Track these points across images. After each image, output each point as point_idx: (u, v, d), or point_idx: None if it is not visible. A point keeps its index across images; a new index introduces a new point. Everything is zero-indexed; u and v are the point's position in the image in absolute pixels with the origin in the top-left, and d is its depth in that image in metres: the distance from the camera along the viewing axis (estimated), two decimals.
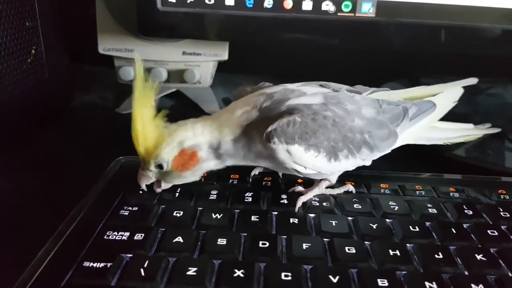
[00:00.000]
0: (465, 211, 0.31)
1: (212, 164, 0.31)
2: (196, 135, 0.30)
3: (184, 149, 0.30)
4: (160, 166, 0.30)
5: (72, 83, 0.53)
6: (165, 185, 0.32)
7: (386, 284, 0.24)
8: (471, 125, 0.40)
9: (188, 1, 0.42)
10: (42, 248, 0.26)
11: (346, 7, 0.42)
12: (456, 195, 0.34)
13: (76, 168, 0.40)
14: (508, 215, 0.31)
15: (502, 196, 0.34)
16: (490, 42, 0.43)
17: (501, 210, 0.32)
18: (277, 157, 0.29)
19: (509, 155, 0.44)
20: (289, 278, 0.24)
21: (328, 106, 0.30)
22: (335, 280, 0.24)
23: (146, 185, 0.32)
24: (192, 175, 0.31)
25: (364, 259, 0.26)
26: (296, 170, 0.30)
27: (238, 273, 0.24)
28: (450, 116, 0.40)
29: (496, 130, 0.42)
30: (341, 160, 0.31)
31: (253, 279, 0.24)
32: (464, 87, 0.54)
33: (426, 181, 0.36)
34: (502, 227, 0.30)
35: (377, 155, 0.33)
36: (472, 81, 0.38)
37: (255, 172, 0.35)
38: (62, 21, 0.49)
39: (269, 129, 0.28)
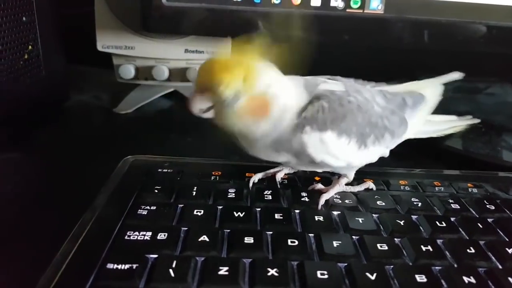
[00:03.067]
0: (487, 206, 0.31)
1: (267, 130, 0.28)
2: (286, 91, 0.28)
3: (266, 93, 0.27)
4: (232, 95, 0.26)
5: (69, 81, 0.51)
6: (211, 116, 0.28)
7: (425, 280, 0.23)
8: (454, 117, 0.40)
9: None
10: (57, 251, 0.25)
11: (355, 3, 0.42)
12: (475, 190, 0.34)
13: (79, 169, 0.38)
14: None
15: None
16: (499, 39, 0.43)
17: None
18: (307, 149, 0.28)
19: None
20: (326, 276, 0.23)
21: (350, 93, 0.30)
22: (373, 278, 0.23)
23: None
24: (243, 128, 0.28)
25: (398, 256, 0.25)
26: (325, 163, 0.29)
27: (272, 271, 0.23)
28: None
29: (476, 121, 0.41)
30: (369, 147, 0.30)
31: (288, 277, 0.23)
32: (465, 84, 0.54)
33: (443, 177, 0.35)
34: None
35: (396, 142, 0.33)
36: (456, 76, 0.38)
37: (255, 179, 0.33)
38: (59, 17, 0.47)
39: (302, 116, 0.27)
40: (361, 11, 0.42)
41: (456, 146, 0.44)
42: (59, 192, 0.34)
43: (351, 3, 0.42)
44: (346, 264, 0.24)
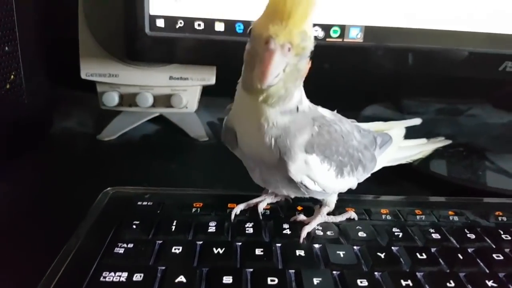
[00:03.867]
0: (468, 235, 0.31)
1: (297, 95, 0.26)
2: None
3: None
4: (304, 51, 0.23)
5: (52, 108, 0.51)
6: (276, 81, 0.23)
7: None
8: (425, 140, 0.41)
9: (177, 26, 0.42)
10: None
11: (335, 32, 0.43)
12: (456, 218, 0.34)
13: (59, 200, 0.38)
14: (510, 238, 0.31)
15: (499, 218, 0.34)
16: (474, 64, 0.44)
17: (502, 232, 0.32)
18: (290, 166, 0.27)
19: (494, 175, 0.45)
20: None
21: (336, 122, 0.30)
22: None
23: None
24: (295, 90, 0.25)
25: None
26: (304, 185, 0.29)
27: None
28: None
29: (447, 142, 0.43)
30: (345, 177, 0.30)
31: None
32: (447, 108, 0.55)
33: (425, 205, 0.35)
34: (506, 250, 0.30)
35: (365, 176, 0.33)
36: (416, 121, 0.41)
37: (237, 211, 0.33)
38: (43, 45, 0.47)
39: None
40: (340, 40, 0.43)
41: (437, 171, 0.44)
42: (37, 226, 0.34)
43: (331, 32, 0.43)
44: None
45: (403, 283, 0.26)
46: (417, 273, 0.27)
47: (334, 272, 0.27)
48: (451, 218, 0.34)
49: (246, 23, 0.42)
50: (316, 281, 0.26)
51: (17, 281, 0.28)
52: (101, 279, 0.25)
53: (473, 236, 0.31)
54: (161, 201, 0.34)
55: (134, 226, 0.30)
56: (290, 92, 0.25)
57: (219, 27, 0.42)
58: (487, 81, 0.49)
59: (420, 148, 0.40)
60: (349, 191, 0.33)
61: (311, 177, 0.28)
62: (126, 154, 0.49)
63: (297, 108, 0.26)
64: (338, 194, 0.33)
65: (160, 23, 0.41)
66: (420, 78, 0.54)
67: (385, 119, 0.40)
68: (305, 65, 0.24)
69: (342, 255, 0.28)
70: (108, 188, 0.36)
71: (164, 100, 0.49)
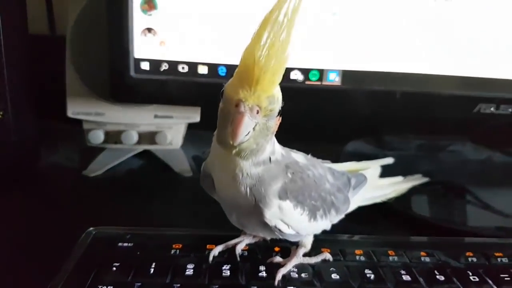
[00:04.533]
0: (437, 276, 0.32)
1: (269, 148, 0.27)
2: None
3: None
4: (272, 113, 0.25)
5: (39, 144, 0.52)
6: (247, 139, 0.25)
7: None
8: (400, 178, 0.43)
9: (162, 69, 0.43)
10: None
11: (313, 76, 0.45)
12: (427, 259, 0.35)
13: (43, 239, 0.38)
14: (477, 279, 0.32)
15: (469, 259, 0.35)
16: (449, 106, 0.46)
17: (470, 274, 0.33)
18: (265, 211, 0.28)
19: (472, 213, 0.47)
20: None
21: (309, 167, 0.31)
22: None
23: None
24: (266, 144, 0.27)
25: None
26: (278, 229, 0.30)
27: None
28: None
29: (424, 180, 0.44)
30: (318, 220, 0.32)
31: None
32: (427, 144, 0.57)
33: (398, 245, 0.37)
34: None
35: (338, 218, 0.35)
36: (389, 160, 0.42)
37: (215, 252, 0.33)
38: (30, 84, 0.49)
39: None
40: (319, 83, 0.45)
41: (414, 210, 0.46)
42: (21, 265, 0.34)
43: (310, 76, 0.45)
44: None
45: None
46: None
47: None
48: (422, 259, 0.35)
49: (229, 67, 0.44)
50: None
51: None
52: None
53: (442, 278, 0.32)
54: (142, 242, 0.35)
55: (114, 268, 0.31)
56: (261, 146, 0.26)
57: (203, 70, 0.44)
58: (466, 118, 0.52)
59: (395, 186, 0.42)
60: (327, 231, 0.34)
61: (285, 221, 0.30)
62: (111, 190, 0.50)
63: (270, 158, 0.28)
64: (315, 235, 0.34)
65: (145, 66, 0.43)
66: (400, 116, 0.56)
67: (366, 155, 0.42)
68: (275, 123, 0.26)
69: None
70: (91, 228, 0.37)
71: (149, 137, 0.50)
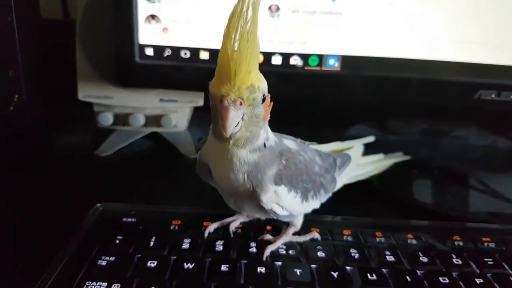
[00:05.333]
0: (421, 258, 0.34)
1: (263, 134, 0.29)
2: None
3: (267, 94, 0.28)
4: (255, 102, 0.26)
5: (53, 126, 0.55)
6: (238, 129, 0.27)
7: None
8: (381, 155, 0.45)
9: (165, 55, 0.45)
10: None
11: (313, 61, 0.46)
12: (414, 242, 0.36)
13: (57, 214, 0.41)
14: (460, 262, 0.34)
15: (456, 243, 0.36)
16: (449, 93, 0.46)
17: (454, 256, 0.34)
18: (262, 196, 0.30)
19: (469, 198, 0.48)
20: None
21: (300, 152, 0.33)
22: None
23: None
24: (260, 131, 0.28)
25: None
26: (273, 211, 0.32)
27: None
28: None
29: (406, 158, 0.46)
30: (309, 201, 0.34)
31: None
32: (430, 129, 0.58)
33: (387, 227, 0.38)
34: (453, 274, 0.32)
35: (326, 197, 0.37)
36: (370, 139, 0.45)
37: (210, 229, 0.36)
38: (43, 69, 0.51)
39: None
40: (318, 68, 0.46)
41: (407, 194, 0.47)
42: (33, 239, 0.37)
43: (309, 61, 0.46)
44: None
45: None
46: None
47: None
48: (409, 241, 0.36)
49: None
50: None
51: (19, 281, 0.31)
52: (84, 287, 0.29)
53: (425, 260, 0.34)
54: (144, 218, 0.38)
55: (117, 241, 0.34)
56: (255, 134, 0.28)
57: (204, 55, 0.45)
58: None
59: (377, 164, 0.44)
60: (318, 211, 0.36)
61: (280, 204, 0.32)
62: (120, 169, 0.52)
63: (264, 144, 0.30)
64: (308, 216, 0.36)
65: (149, 51, 0.45)
66: (400, 102, 0.57)
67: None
68: (262, 111, 0.27)
69: (298, 273, 0.31)
70: (98, 205, 0.39)
71: (155, 120, 0.52)
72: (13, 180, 0.46)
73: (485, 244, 0.36)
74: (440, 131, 0.61)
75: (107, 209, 0.39)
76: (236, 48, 0.24)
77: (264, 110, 0.28)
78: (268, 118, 0.29)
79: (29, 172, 0.48)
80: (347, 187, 0.41)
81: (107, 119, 0.51)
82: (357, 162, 0.42)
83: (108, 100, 0.51)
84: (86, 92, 0.51)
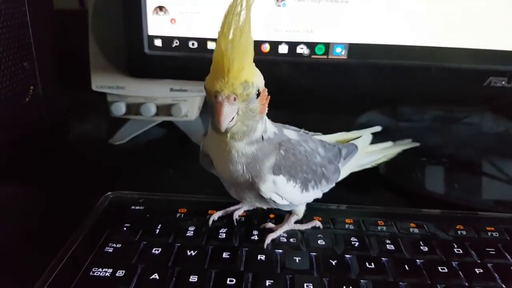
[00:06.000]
0: (421, 247, 0.34)
1: (260, 127, 0.30)
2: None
3: (264, 89, 0.28)
4: (249, 97, 0.27)
5: (68, 116, 0.57)
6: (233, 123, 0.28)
7: None
8: (390, 143, 0.45)
9: (173, 46, 0.46)
10: (34, 284, 0.29)
11: (320, 50, 0.46)
12: (416, 230, 0.36)
13: (70, 201, 0.43)
14: (461, 252, 0.34)
15: (459, 232, 0.37)
16: (458, 80, 0.46)
17: (455, 246, 0.34)
18: (261, 186, 0.31)
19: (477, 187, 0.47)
20: None
21: (301, 142, 0.34)
22: None
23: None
24: (256, 124, 0.29)
25: None
26: (273, 201, 0.33)
27: None
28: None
29: (415, 145, 0.46)
30: (309, 191, 0.34)
31: None
32: (443, 116, 0.57)
33: (390, 216, 0.38)
34: (453, 263, 0.33)
35: (329, 186, 0.37)
36: (377, 129, 0.44)
37: (214, 217, 0.37)
38: (57, 60, 0.53)
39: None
40: (325, 57, 0.46)
41: (414, 182, 0.47)
42: (45, 225, 0.39)
43: (316, 49, 0.46)
44: None
45: None
46: (361, 281, 0.30)
47: (287, 275, 0.30)
48: (411, 230, 0.37)
49: None
50: (268, 282, 0.29)
51: (26, 268, 0.33)
52: (90, 273, 0.30)
53: (425, 249, 0.34)
54: (152, 206, 0.39)
55: (125, 229, 0.35)
56: (252, 127, 0.29)
57: (211, 45, 0.46)
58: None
59: (385, 152, 0.44)
60: (320, 200, 0.37)
61: (279, 194, 0.32)
62: (133, 158, 0.54)
63: (262, 137, 0.30)
64: (310, 204, 0.37)
65: (158, 42, 0.46)
66: (408, 89, 0.56)
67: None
68: (258, 105, 0.28)
69: (297, 261, 0.32)
70: (109, 193, 0.41)
71: (166, 109, 0.53)
72: (29, 168, 0.48)
73: (489, 233, 0.36)
74: (453, 118, 0.60)
75: (117, 197, 0.41)
76: (229, 45, 0.25)
77: (260, 105, 0.28)
78: (266, 112, 0.30)
79: (44, 161, 0.50)
80: (354, 175, 0.41)
81: (119, 108, 0.52)
82: (365, 150, 0.42)
83: (121, 90, 0.52)
84: (99, 82, 0.52)
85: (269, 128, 0.31)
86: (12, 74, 0.46)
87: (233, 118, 0.27)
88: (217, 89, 0.26)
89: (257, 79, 0.27)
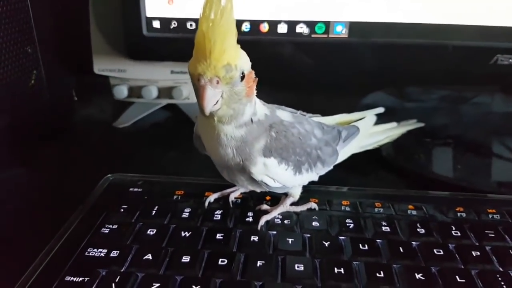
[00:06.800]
0: (418, 229, 0.33)
1: (249, 110, 0.29)
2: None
3: (250, 71, 0.28)
4: (232, 80, 0.26)
5: (72, 100, 0.57)
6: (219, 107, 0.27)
7: None
8: (394, 124, 0.44)
9: (171, 27, 0.46)
10: (31, 264, 0.30)
11: (320, 29, 0.45)
12: (414, 212, 0.36)
13: (72, 183, 0.44)
14: (459, 234, 0.33)
15: (459, 214, 0.36)
16: (463, 58, 0.44)
17: (453, 228, 0.34)
18: (252, 168, 0.31)
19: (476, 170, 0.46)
20: None
21: (294, 124, 0.33)
22: None
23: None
24: (244, 107, 0.29)
25: (309, 276, 0.29)
26: (265, 183, 0.33)
27: None
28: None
29: (420, 125, 0.45)
30: (303, 173, 0.34)
31: None
32: (451, 95, 0.55)
33: (388, 198, 0.38)
34: (450, 245, 0.32)
35: (325, 169, 0.36)
36: (380, 110, 0.43)
37: (211, 199, 0.37)
38: (60, 43, 0.53)
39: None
40: (325, 36, 0.45)
41: (416, 164, 0.46)
42: (51, 207, 0.40)
43: (316, 28, 0.45)
44: (261, 283, 0.28)
45: (336, 270, 0.29)
46: (353, 262, 0.30)
47: (279, 257, 0.30)
48: (409, 212, 0.36)
49: None
50: (259, 263, 0.30)
51: (26, 248, 0.34)
52: (86, 253, 0.31)
53: (422, 231, 0.33)
54: (150, 188, 0.39)
55: (122, 210, 0.36)
56: (239, 111, 0.28)
57: None
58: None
59: (389, 133, 0.43)
60: (330, 182, 0.38)
61: (271, 176, 0.32)
62: (137, 140, 0.55)
63: (252, 119, 0.30)
64: (312, 185, 0.37)
65: (156, 24, 0.46)
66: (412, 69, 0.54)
67: (385, 107, 0.43)
68: (244, 88, 0.28)
69: (290, 242, 0.32)
70: (109, 175, 0.42)
71: (167, 92, 0.53)
72: (34, 151, 0.49)
73: (490, 216, 0.36)
74: (459, 98, 0.58)
75: (117, 179, 0.41)
76: (210, 26, 0.24)
77: (246, 87, 0.28)
78: (254, 94, 0.30)
79: (49, 143, 0.51)
80: (356, 157, 0.41)
81: (121, 91, 0.53)
82: (368, 132, 0.41)
83: (122, 73, 0.52)
84: (101, 66, 0.52)
85: (259, 110, 0.31)
86: (15, 59, 0.46)
87: (217, 102, 0.27)
88: (199, 72, 0.26)
89: (241, 61, 0.27)
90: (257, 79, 0.29)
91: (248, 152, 0.30)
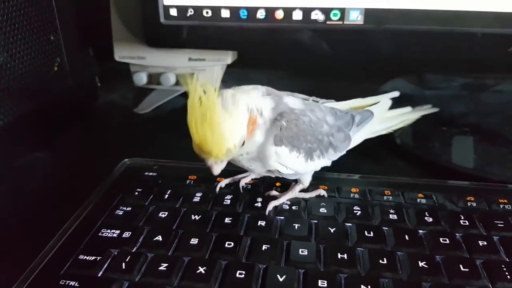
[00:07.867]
0: (426, 218, 0.33)
1: (252, 142, 0.32)
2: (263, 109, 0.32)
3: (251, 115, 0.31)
4: (234, 153, 0.30)
5: (95, 86, 0.59)
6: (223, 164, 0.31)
7: (325, 285, 0.27)
8: (409, 108, 0.43)
9: (188, 15, 0.46)
10: (50, 241, 0.32)
11: (335, 15, 0.44)
12: (423, 201, 0.36)
13: (93, 167, 0.46)
14: (467, 223, 0.33)
15: (469, 204, 0.35)
16: (480, 46, 0.43)
17: (462, 218, 0.33)
18: (266, 158, 0.32)
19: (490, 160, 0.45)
20: (243, 276, 0.28)
21: (306, 112, 0.33)
22: (281, 279, 0.28)
23: None
24: (249, 144, 0.31)
25: (312, 261, 0.29)
26: (278, 170, 0.34)
27: (201, 269, 0.29)
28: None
29: (434, 110, 0.44)
30: (315, 160, 0.34)
31: (212, 275, 0.28)
32: (472, 83, 0.54)
33: (399, 186, 0.38)
34: (457, 234, 0.32)
35: (337, 155, 0.37)
36: (395, 94, 0.42)
37: (222, 184, 0.38)
38: (82, 30, 0.55)
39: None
40: (341, 22, 0.44)
41: (429, 152, 0.45)
42: (69, 189, 0.42)
43: (331, 15, 0.44)
44: (265, 266, 0.29)
45: (339, 256, 0.30)
46: (357, 248, 0.30)
47: (284, 241, 0.31)
48: (418, 200, 0.36)
49: (249, 9, 0.45)
50: (264, 247, 0.30)
51: (48, 225, 0.36)
52: (99, 234, 0.33)
53: (430, 219, 0.33)
54: (165, 172, 0.41)
55: (136, 193, 0.37)
56: (244, 148, 0.31)
57: (225, 13, 0.46)
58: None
59: (403, 117, 0.42)
60: (338, 170, 0.38)
61: (283, 163, 0.33)
62: (156, 126, 0.56)
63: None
64: (323, 172, 0.37)
65: (173, 12, 0.46)
66: (428, 56, 0.53)
67: (404, 94, 0.43)
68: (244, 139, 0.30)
69: (296, 228, 0.32)
70: (126, 159, 0.43)
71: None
72: (59, 135, 0.51)
73: (501, 205, 0.35)
74: (479, 86, 0.56)
75: (133, 163, 0.43)
76: (202, 138, 0.28)
77: (247, 134, 0.30)
78: (255, 131, 0.31)
79: (73, 128, 0.53)
80: (368, 142, 0.40)
81: (141, 78, 0.54)
82: (382, 116, 0.41)
83: (142, 60, 0.54)
84: (122, 53, 0.54)
85: (264, 114, 0.32)
86: (39, 46, 0.48)
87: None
88: (203, 157, 0.29)
89: (237, 137, 0.29)
90: (256, 119, 0.31)
91: (261, 144, 0.32)
